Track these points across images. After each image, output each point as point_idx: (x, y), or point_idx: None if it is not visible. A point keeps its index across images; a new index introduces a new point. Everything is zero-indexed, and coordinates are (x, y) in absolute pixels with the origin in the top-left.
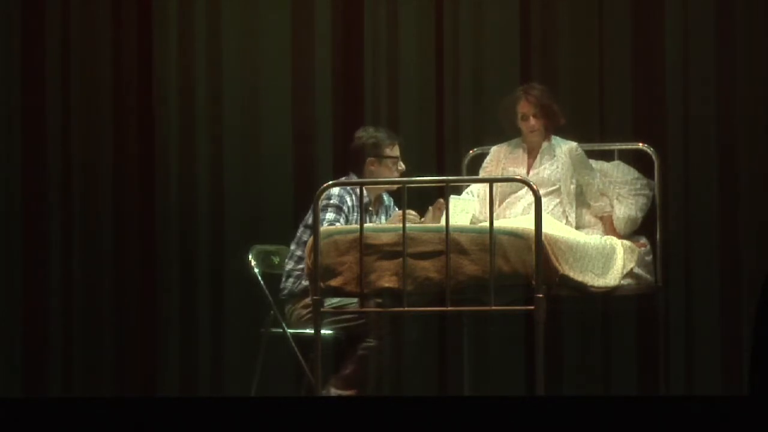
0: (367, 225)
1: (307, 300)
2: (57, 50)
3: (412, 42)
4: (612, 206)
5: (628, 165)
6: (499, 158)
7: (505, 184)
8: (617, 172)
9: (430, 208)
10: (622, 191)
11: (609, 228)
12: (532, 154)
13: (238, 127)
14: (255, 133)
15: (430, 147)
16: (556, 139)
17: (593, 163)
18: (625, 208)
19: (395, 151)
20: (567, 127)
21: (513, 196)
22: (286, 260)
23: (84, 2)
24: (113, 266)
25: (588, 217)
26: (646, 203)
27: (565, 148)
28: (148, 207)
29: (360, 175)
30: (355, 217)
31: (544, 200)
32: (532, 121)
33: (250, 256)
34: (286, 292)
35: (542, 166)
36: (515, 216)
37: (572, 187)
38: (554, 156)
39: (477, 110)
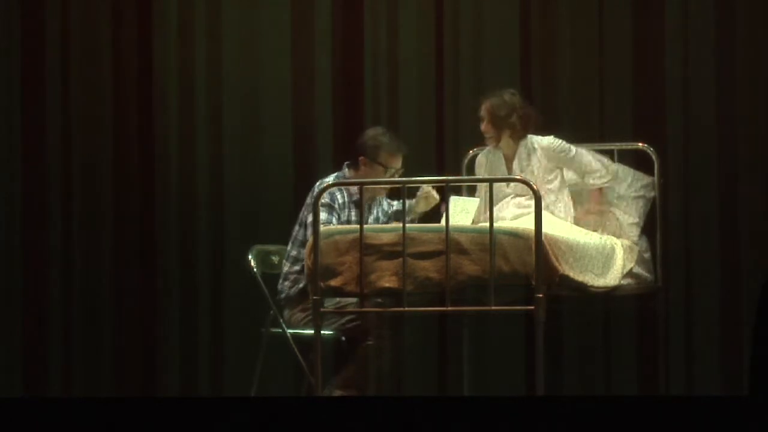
0: (367, 225)
1: (305, 305)
2: (57, 50)
3: (412, 42)
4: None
5: (629, 167)
6: (482, 166)
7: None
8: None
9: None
10: (619, 191)
11: (595, 198)
12: (509, 159)
13: (238, 127)
14: (255, 133)
15: (430, 147)
16: (532, 139)
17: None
18: (627, 216)
19: (395, 162)
20: (567, 127)
21: (503, 201)
22: (284, 261)
23: (84, 2)
24: (113, 266)
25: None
26: (645, 204)
27: (541, 145)
28: (148, 207)
29: (355, 170)
30: (346, 213)
31: (526, 204)
32: (482, 126)
33: (250, 256)
34: (283, 295)
35: (520, 172)
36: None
37: (550, 187)
38: (530, 159)
39: (477, 110)
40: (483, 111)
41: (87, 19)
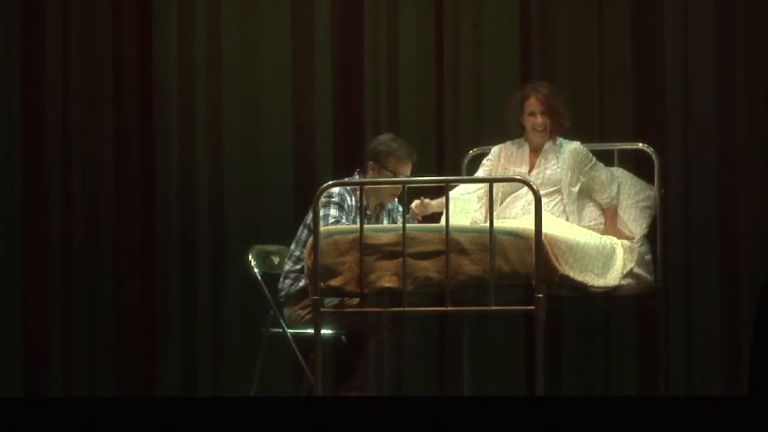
0: (367, 225)
1: (306, 301)
2: (57, 50)
3: (412, 42)
4: (618, 200)
5: (631, 174)
6: (500, 158)
7: (504, 184)
8: (621, 177)
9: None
10: (624, 195)
11: (610, 220)
12: (535, 152)
13: (238, 127)
14: (255, 133)
15: (430, 147)
16: (560, 140)
17: None
18: (638, 227)
19: (404, 170)
20: (567, 128)
21: (512, 195)
22: (286, 260)
23: (84, 2)
24: (113, 266)
25: (588, 219)
26: (651, 215)
27: (568, 148)
28: (149, 207)
29: (364, 176)
30: (352, 217)
31: (544, 200)
32: (540, 119)
33: (250, 256)
34: (283, 293)
35: (545, 166)
36: (514, 216)
37: (574, 189)
38: (558, 156)
39: (477, 110)
40: (535, 104)
41: (87, 19)
